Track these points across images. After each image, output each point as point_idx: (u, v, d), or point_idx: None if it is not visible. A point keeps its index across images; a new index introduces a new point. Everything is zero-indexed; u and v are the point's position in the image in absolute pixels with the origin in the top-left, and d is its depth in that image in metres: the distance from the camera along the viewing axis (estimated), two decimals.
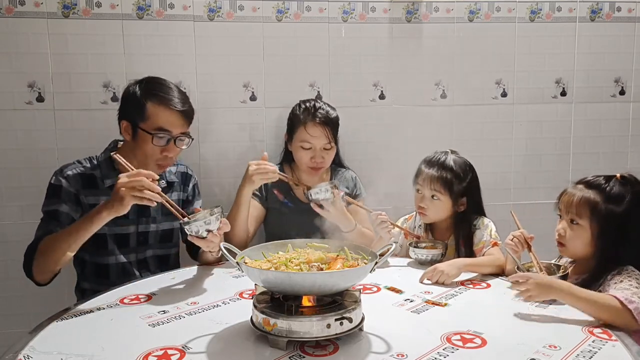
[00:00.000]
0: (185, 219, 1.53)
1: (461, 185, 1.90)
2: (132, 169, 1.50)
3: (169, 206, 1.54)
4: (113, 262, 1.81)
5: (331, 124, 2.08)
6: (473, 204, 1.94)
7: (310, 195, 1.92)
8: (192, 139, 1.85)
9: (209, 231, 1.53)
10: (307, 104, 2.12)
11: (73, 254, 1.57)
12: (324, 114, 2.08)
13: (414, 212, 2.05)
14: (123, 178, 1.45)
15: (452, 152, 1.97)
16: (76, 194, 1.74)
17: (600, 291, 1.48)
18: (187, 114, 1.80)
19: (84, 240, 1.54)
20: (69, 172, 1.76)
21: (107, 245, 1.79)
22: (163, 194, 1.49)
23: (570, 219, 1.60)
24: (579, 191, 1.60)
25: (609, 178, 1.60)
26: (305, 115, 2.08)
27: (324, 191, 1.91)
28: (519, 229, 1.72)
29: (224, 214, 1.60)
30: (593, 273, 1.55)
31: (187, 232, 1.53)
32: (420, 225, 2.04)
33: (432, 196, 1.90)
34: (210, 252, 1.64)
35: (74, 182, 1.75)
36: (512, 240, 1.69)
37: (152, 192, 1.45)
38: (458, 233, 1.92)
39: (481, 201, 1.97)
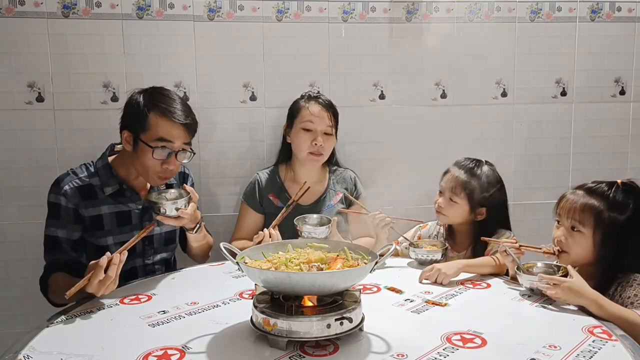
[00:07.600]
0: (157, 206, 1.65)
1: (482, 195, 1.89)
2: (83, 282, 1.43)
3: (142, 236, 1.60)
4: None
5: (332, 110, 2.17)
6: (495, 218, 1.92)
7: (304, 234, 1.87)
8: (194, 153, 1.82)
9: (177, 209, 1.66)
10: (309, 92, 2.22)
11: None
12: (325, 99, 2.18)
13: (429, 222, 2.07)
14: (97, 290, 1.43)
15: (487, 162, 1.96)
16: (75, 209, 1.73)
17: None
18: (190, 127, 1.76)
19: None
20: (66, 187, 1.73)
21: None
22: (122, 251, 1.49)
23: (571, 226, 1.58)
24: (580, 197, 1.58)
25: (610, 185, 1.57)
26: (307, 99, 2.17)
27: (319, 232, 1.87)
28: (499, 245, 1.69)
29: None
30: (599, 281, 1.53)
31: (160, 213, 1.65)
32: (440, 233, 2.04)
33: (451, 198, 1.91)
34: (188, 231, 1.80)
35: (72, 197, 1.72)
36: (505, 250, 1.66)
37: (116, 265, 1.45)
38: (476, 242, 1.90)
39: (507, 217, 1.96)
